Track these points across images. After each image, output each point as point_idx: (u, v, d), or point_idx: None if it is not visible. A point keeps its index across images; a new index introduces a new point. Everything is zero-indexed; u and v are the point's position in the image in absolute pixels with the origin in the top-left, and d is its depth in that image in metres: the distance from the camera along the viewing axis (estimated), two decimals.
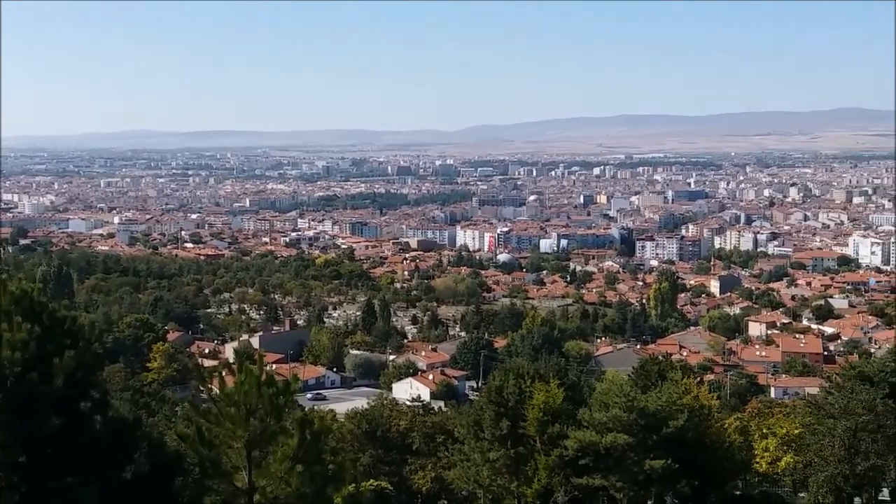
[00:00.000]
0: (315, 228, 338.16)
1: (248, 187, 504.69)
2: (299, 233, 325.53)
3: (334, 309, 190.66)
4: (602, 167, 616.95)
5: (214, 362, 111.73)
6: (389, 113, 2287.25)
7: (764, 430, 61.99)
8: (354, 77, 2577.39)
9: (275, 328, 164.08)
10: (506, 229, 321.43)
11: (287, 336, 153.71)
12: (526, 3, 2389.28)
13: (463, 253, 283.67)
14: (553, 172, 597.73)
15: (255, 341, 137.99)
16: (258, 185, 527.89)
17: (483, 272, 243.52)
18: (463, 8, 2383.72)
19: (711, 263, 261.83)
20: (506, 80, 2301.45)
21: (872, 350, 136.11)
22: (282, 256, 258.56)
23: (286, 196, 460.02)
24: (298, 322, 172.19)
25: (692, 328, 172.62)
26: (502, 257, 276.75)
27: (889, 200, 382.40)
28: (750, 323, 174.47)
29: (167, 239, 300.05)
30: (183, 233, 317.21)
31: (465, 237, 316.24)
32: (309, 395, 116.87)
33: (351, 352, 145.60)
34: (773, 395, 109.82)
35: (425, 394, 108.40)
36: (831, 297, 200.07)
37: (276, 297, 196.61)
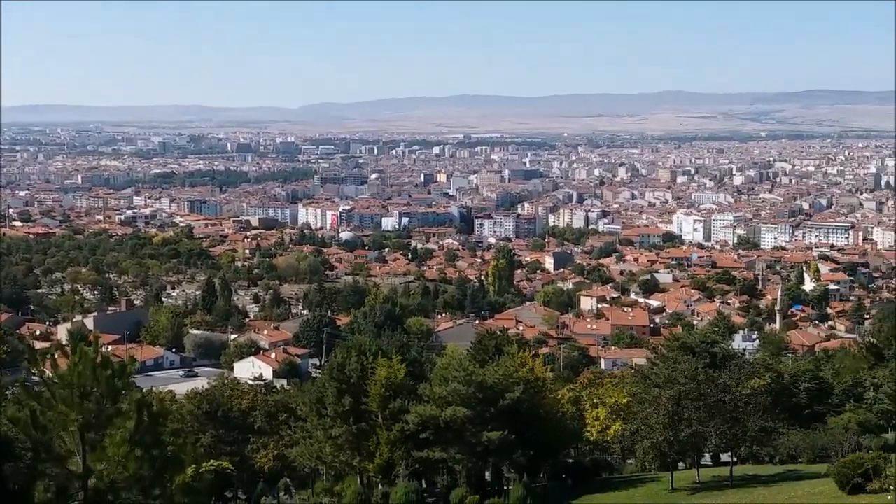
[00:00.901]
0: (152, 206, 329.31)
1: (79, 163, 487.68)
2: (135, 211, 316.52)
3: (173, 288, 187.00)
4: (441, 146, 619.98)
5: (46, 344, 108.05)
6: (228, 89, 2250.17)
7: (595, 400, 63.62)
8: (190, 50, 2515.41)
9: (110, 308, 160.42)
10: (348, 207, 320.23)
11: (123, 316, 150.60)
12: None
13: (305, 231, 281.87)
14: (394, 151, 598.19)
15: (89, 322, 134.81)
16: (91, 161, 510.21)
17: (325, 250, 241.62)
18: None
19: (546, 241, 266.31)
20: (344, 57, 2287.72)
21: (695, 322, 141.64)
22: (117, 235, 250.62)
23: (121, 173, 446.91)
24: (135, 302, 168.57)
25: (528, 303, 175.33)
26: (344, 235, 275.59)
27: (710, 180, 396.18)
28: (582, 297, 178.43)
29: None
30: (11, 210, 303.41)
31: (308, 215, 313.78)
32: (181, 373, 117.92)
33: (191, 332, 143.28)
34: (603, 366, 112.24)
35: (267, 372, 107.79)
36: (657, 272, 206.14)
37: (111, 276, 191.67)
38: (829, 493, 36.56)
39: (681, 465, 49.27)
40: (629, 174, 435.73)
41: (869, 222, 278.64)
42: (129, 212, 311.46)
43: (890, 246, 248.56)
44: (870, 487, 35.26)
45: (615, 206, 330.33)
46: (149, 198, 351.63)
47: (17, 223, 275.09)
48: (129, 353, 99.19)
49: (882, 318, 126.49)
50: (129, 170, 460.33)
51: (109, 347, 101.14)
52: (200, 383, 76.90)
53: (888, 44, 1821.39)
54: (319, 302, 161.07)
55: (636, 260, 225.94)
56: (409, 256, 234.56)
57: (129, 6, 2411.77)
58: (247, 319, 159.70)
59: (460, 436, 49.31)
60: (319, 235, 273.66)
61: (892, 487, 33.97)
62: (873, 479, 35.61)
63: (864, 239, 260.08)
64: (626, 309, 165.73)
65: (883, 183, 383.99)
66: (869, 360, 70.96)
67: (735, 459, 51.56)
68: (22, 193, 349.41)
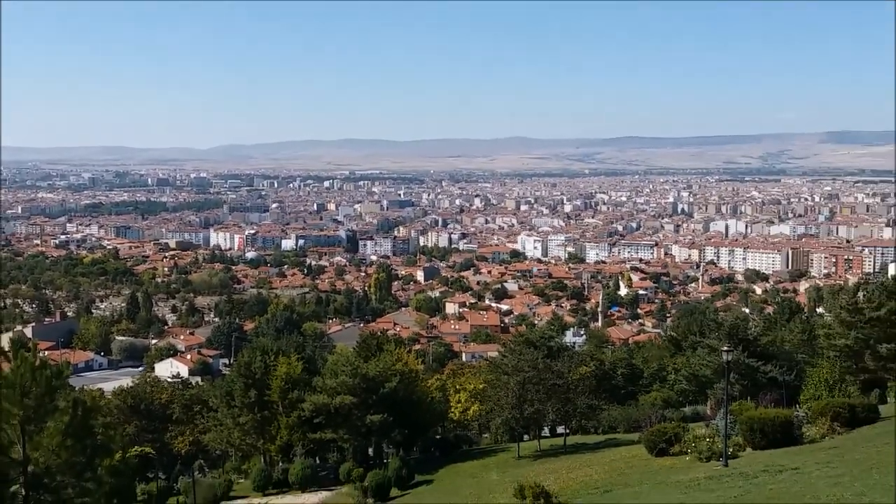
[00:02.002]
0: (82, 232, 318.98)
1: (19, 196, 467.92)
2: (68, 236, 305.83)
3: (101, 301, 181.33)
4: (331, 181, 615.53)
5: None
6: (147, 131, 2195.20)
7: (457, 387, 63.75)
8: (114, 96, 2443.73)
9: (47, 319, 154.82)
10: (252, 231, 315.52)
11: (58, 326, 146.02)
12: (254, 41, 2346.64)
13: (216, 252, 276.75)
14: (291, 185, 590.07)
15: (28, 331, 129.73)
16: (29, 194, 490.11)
17: (234, 267, 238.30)
18: (203, 37, 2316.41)
19: (417, 257, 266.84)
20: (248, 105, 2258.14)
21: (535, 322, 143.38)
22: (52, 257, 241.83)
23: (55, 203, 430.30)
24: (68, 313, 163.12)
25: (403, 309, 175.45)
26: (250, 255, 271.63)
27: (546, 208, 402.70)
28: (447, 303, 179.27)
29: None
30: None
31: (218, 238, 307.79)
32: (141, 368, 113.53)
33: (117, 338, 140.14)
34: (464, 358, 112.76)
35: (184, 371, 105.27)
36: (505, 282, 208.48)
37: (47, 292, 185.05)
38: (640, 456, 37.19)
39: (525, 437, 49.60)
40: (483, 203, 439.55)
41: (668, 241, 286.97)
42: (62, 237, 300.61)
43: (685, 259, 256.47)
44: (672, 451, 35.99)
45: (472, 229, 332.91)
46: (80, 225, 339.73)
47: None
48: (63, 358, 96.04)
49: (680, 317, 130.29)
50: (62, 201, 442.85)
51: (46, 353, 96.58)
52: (125, 381, 74.57)
53: (682, 101, 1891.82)
54: (228, 311, 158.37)
55: (489, 272, 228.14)
56: (305, 271, 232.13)
57: (57, 55, 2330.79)
58: (166, 326, 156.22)
59: (347, 419, 48.99)
60: (228, 255, 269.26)
61: (689, 450, 34.80)
62: (675, 444, 36.38)
63: (665, 254, 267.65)
64: (481, 312, 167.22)
65: (679, 210, 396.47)
66: (670, 349, 73.07)
67: (568, 431, 52.17)
68: None
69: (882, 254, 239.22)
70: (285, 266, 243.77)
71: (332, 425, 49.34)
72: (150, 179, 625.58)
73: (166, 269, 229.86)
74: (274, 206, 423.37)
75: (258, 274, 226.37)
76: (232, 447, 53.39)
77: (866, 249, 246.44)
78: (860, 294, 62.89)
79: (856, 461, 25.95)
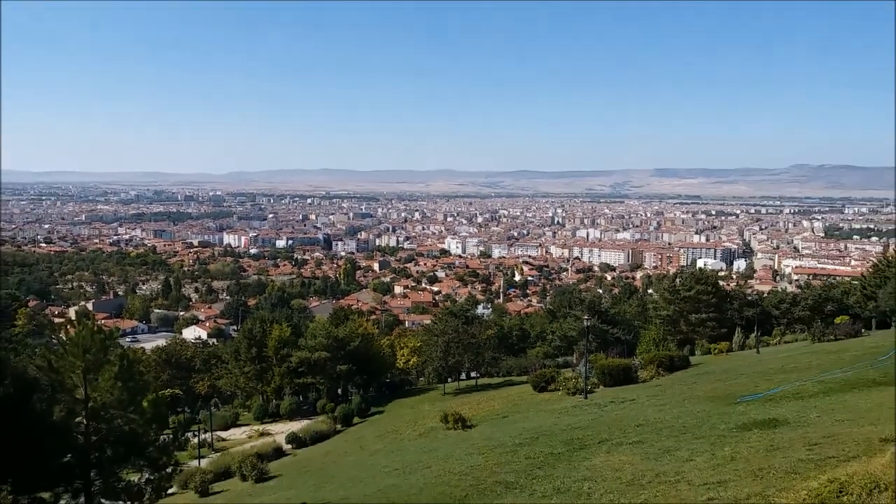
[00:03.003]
0: (130, 234, 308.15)
1: (83, 207, 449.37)
2: (119, 237, 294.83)
3: (143, 284, 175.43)
4: (312, 198, 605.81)
5: (62, 319, 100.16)
6: (177, 161, 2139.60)
7: (402, 345, 63.48)
8: (156, 133, 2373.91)
9: (103, 297, 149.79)
10: (255, 234, 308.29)
11: (111, 302, 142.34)
12: (258, 83, 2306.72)
13: (228, 248, 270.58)
14: (283, 201, 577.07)
15: (89, 306, 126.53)
16: (91, 206, 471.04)
17: (241, 260, 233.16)
18: (216, 90, 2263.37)
19: (374, 254, 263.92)
20: (252, 140, 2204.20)
21: (457, 299, 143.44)
22: (107, 252, 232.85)
23: (110, 213, 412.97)
24: (119, 293, 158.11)
25: (364, 290, 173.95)
26: (253, 251, 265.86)
27: (465, 219, 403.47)
28: (395, 286, 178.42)
29: (27, 240, 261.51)
30: (38, 236, 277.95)
31: (229, 239, 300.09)
32: (172, 333, 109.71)
33: (155, 311, 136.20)
34: (407, 325, 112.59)
35: (204, 335, 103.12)
36: (436, 271, 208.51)
37: (103, 277, 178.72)
38: (528, 392, 37.51)
39: (449, 379, 49.69)
40: (420, 216, 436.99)
41: (548, 243, 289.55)
42: (115, 237, 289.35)
43: (559, 256, 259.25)
44: (550, 388, 36.38)
45: (413, 234, 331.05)
46: (128, 229, 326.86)
47: (43, 245, 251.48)
48: (114, 325, 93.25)
49: (555, 295, 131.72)
50: (115, 211, 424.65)
51: (102, 321, 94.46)
52: (161, 342, 72.82)
53: (558, 145, 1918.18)
54: (237, 291, 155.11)
55: (425, 264, 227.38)
56: (293, 263, 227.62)
57: (118, 104, 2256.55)
58: (190, 302, 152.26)
59: (323, 369, 48.57)
60: (237, 251, 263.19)
61: (561, 388, 35.20)
62: (551, 383, 36.79)
63: (546, 252, 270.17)
64: (419, 292, 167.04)
65: (555, 221, 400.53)
66: (549, 318, 73.74)
67: (478, 375, 52.41)
68: (46, 226, 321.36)
69: (692, 253, 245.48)
70: (278, 259, 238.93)
71: (312, 373, 48.94)
72: (179, 196, 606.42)
73: (191, 261, 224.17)
74: (270, 216, 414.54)
75: (259, 265, 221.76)
76: (239, 389, 52.59)
77: (682, 250, 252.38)
78: (677, 280, 64.47)
79: (674, 394, 26.54)
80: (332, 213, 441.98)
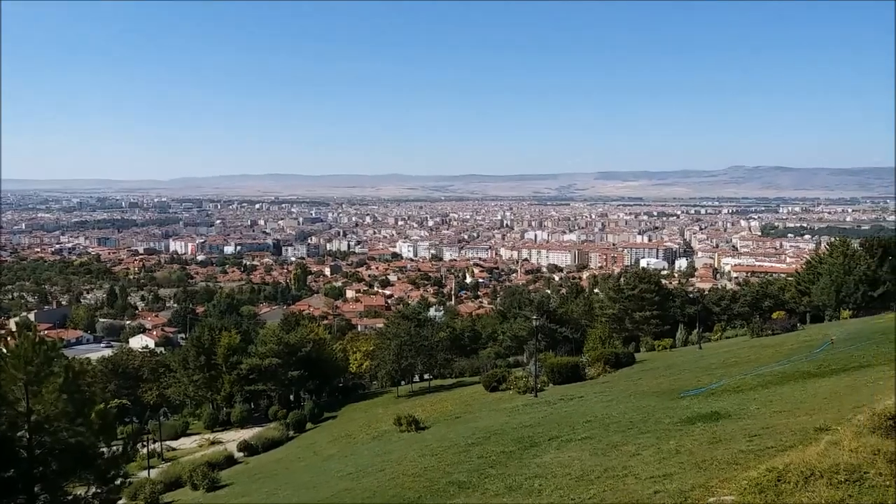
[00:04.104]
0: (72, 242, 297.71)
1: (23, 216, 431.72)
2: (61, 245, 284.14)
3: (87, 293, 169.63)
4: (261, 204, 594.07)
5: (2, 331, 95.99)
6: (121, 167, 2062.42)
7: (354, 349, 63.06)
8: (96, 136, 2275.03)
9: (46, 307, 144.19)
10: (202, 240, 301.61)
11: (54, 312, 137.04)
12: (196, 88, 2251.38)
13: (174, 255, 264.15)
14: (230, 206, 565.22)
15: (31, 316, 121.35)
16: (31, 214, 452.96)
17: (188, 267, 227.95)
18: (162, 95, 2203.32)
19: (325, 258, 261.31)
20: (198, 145, 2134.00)
21: (409, 302, 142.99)
22: (49, 261, 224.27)
23: (51, 221, 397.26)
24: (62, 302, 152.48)
25: (315, 295, 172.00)
26: (200, 257, 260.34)
27: (416, 223, 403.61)
28: (347, 290, 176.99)
29: None
30: None
31: (176, 245, 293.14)
32: (118, 342, 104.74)
33: (100, 320, 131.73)
34: (359, 329, 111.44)
35: (151, 344, 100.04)
36: (388, 274, 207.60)
37: (45, 287, 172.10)
38: (480, 392, 37.68)
39: (402, 382, 49.51)
40: (371, 220, 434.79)
41: (498, 245, 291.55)
42: (57, 246, 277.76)
43: (509, 258, 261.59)
44: (501, 387, 36.60)
45: (364, 238, 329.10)
46: (70, 237, 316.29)
47: None
48: (58, 335, 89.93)
49: (505, 296, 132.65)
50: (57, 219, 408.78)
51: (45, 332, 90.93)
52: (107, 352, 70.59)
53: (506, 150, 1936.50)
54: (184, 299, 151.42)
55: (377, 268, 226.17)
56: (242, 269, 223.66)
57: (59, 109, 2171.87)
58: (137, 311, 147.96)
59: (274, 375, 47.88)
60: (184, 258, 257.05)
61: (512, 387, 35.43)
62: (503, 383, 37.02)
63: (496, 254, 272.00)
64: (371, 296, 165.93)
65: (504, 224, 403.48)
66: (499, 318, 74.29)
67: (431, 377, 52.40)
68: None
69: (636, 253, 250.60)
70: (227, 265, 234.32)
71: (263, 379, 48.23)
72: (123, 203, 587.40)
73: (136, 268, 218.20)
74: (218, 222, 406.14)
75: (207, 272, 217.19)
76: (188, 398, 51.52)
77: (625, 250, 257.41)
78: (621, 280, 65.73)
79: (620, 390, 26.99)
80: (282, 219, 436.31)
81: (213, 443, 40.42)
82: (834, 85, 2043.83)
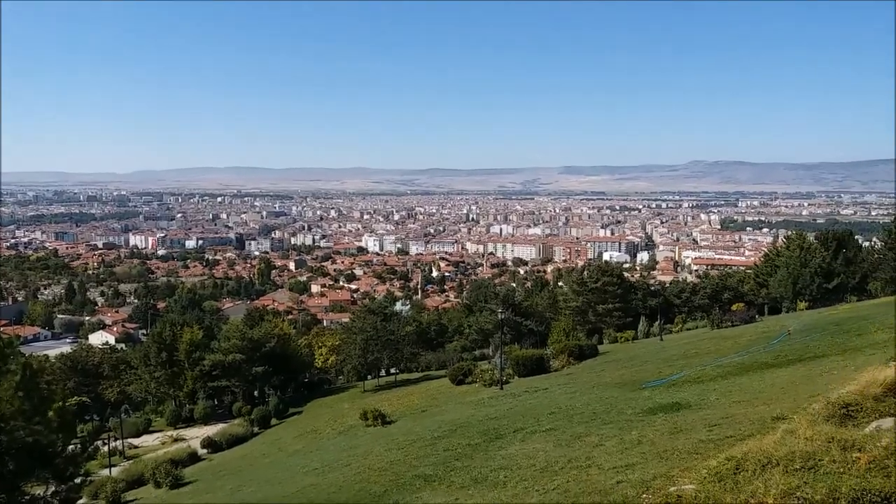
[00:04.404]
0: (29, 236, 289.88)
1: None
2: (17, 240, 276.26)
3: (45, 289, 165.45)
4: (223, 197, 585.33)
5: None
6: (79, 160, 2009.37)
7: (320, 344, 62.60)
8: (53, 129, 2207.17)
9: (1, 303, 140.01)
10: (163, 234, 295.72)
11: (10, 308, 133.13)
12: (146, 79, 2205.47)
13: (134, 250, 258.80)
14: (192, 200, 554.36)
15: None
16: None
17: (149, 262, 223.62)
18: (122, 88, 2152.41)
19: (289, 252, 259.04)
20: (159, 137, 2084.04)
21: (375, 296, 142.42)
22: (4, 256, 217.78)
23: (6, 215, 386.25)
24: (18, 298, 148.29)
25: (280, 290, 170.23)
26: (161, 252, 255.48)
27: (382, 217, 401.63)
28: (312, 285, 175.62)
29: None
30: None
31: (136, 240, 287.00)
32: (77, 339, 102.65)
33: (58, 316, 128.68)
34: (325, 324, 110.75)
35: (111, 340, 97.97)
36: (354, 269, 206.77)
37: (1, 282, 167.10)
38: (446, 386, 37.76)
39: (368, 377, 49.35)
40: (337, 214, 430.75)
41: (464, 239, 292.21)
42: (13, 240, 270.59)
43: (474, 251, 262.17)
44: (467, 381, 36.73)
45: (329, 232, 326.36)
46: (27, 231, 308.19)
47: None
48: (14, 332, 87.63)
49: (471, 290, 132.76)
50: (12, 213, 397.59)
51: (1, 329, 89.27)
52: (66, 349, 68.88)
53: (471, 144, 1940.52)
54: (145, 294, 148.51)
55: (342, 262, 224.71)
56: (204, 264, 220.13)
57: (4, 93, 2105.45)
58: (96, 307, 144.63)
59: (238, 371, 47.28)
60: (144, 253, 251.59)
61: (478, 380, 35.57)
62: (469, 376, 37.16)
63: (462, 248, 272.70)
64: (337, 290, 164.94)
65: (470, 218, 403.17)
66: (465, 312, 74.39)
67: (398, 371, 52.32)
68: None
69: (599, 246, 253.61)
70: (188, 260, 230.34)
71: (227, 376, 47.59)
72: (81, 197, 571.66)
73: (95, 263, 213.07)
74: (179, 216, 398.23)
75: (168, 266, 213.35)
76: (150, 395, 50.61)
77: (589, 244, 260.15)
78: (585, 273, 66.39)
79: (584, 382, 27.30)
80: (245, 212, 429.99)
81: (175, 440, 39.82)
82: (791, 82, 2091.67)
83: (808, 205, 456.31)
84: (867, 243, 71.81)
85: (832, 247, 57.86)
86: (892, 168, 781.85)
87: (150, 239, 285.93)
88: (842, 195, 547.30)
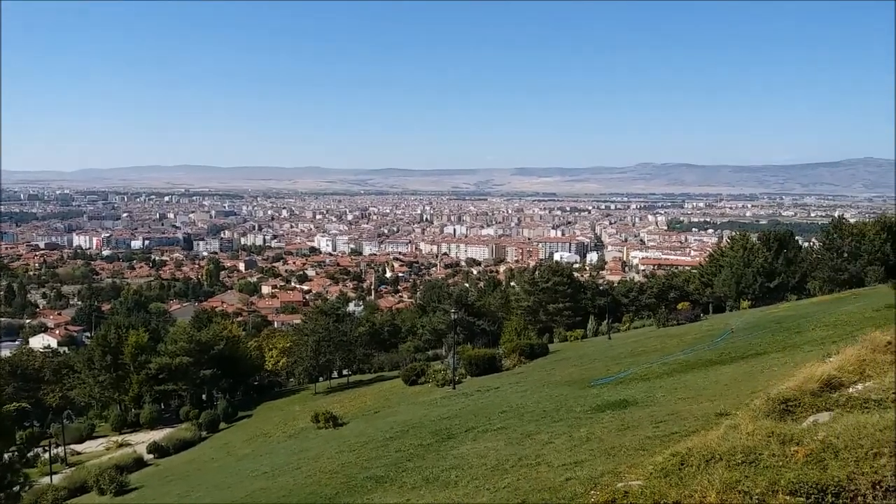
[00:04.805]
0: None
1: None
2: None
3: None
4: (170, 196, 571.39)
5: None
6: (20, 157, 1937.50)
7: (271, 346, 61.78)
8: None
9: None
10: (107, 234, 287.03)
11: None
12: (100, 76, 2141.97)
13: (78, 251, 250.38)
14: (138, 199, 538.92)
15: None
16: None
17: (93, 262, 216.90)
18: (69, 84, 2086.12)
19: (239, 253, 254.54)
20: (103, 134, 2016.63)
21: (328, 297, 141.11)
22: None
23: None
24: None
25: (229, 291, 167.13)
26: (106, 253, 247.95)
27: (335, 217, 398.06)
28: (263, 286, 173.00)
29: None
30: None
31: (80, 240, 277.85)
32: (18, 342, 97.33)
33: None
34: (276, 325, 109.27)
35: (53, 343, 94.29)
36: (306, 269, 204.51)
37: None
38: (399, 386, 37.65)
39: (320, 378, 48.87)
40: (288, 214, 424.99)
41: (417, 240, 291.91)
42: None
43: (428, 252, 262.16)
44: (420, 381, 36.71)
45: (281, 232, 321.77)
46: None
47: None
48: None
49: (425, 290, 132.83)
50: None
51: None
52: (4, 353, 66.21)
53: (426, 145, 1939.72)
54: (89, 296, 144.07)
55: (294, 263, 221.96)
56: (151, 265, 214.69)
57: None
58: (38, 309, 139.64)
59: (186, 374, 46.26)
60: (88, 253, 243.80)
61: (431, 380, 35.56)
62: (422, 376, 37.14)
63: (416, 248, 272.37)
64: (289, 291, 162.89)
65: (424, 219, 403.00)
66: (419, 312, 74.35)
67: (350, 372, 51.95)
68: None
69: (550, 247, 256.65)
70: (134, 261, 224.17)
71: (174, 379, 46.55)
72: (22, 195, 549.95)
73: (37, 264, 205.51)
74: (125, 215, 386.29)
75: (113, 267, 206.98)
76: (94, 399, 49.10)
77: (540, 244, 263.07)
78: (536, 273, 67.08)
79: (534, 380, 27.54)
80: (193, 212, 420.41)
81: (121, 445, 38.70)
82: (734, 87, 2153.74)
83: (752, 206, 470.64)
84: (806, 244, 74.61)
85: (774, 247, 59.74)
86: (831, 171, 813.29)
87: (94, 239, 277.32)
88: (783, 197, 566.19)
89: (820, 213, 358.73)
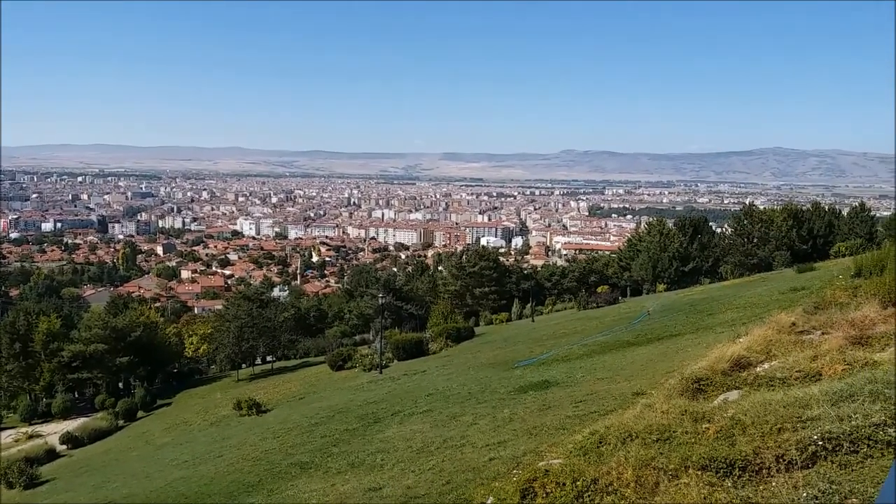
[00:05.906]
0: None
1: None
2: None
3: None
4: (83, 176, 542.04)
5: None
6: None
7: (191, 332, 60.06)
8: None
9: None
10: (15, 216, 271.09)
11: None
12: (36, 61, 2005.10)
13: None
14: (49, 179, 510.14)
15: None
16: None
17: (0, 245, 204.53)
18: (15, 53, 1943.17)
19: (157, 236, 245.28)
20: (12, 111, 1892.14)
21: (252, 282, 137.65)
22: None
23: None
24: None
25: (147, 275, 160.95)
26: (14, 235, 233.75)
27: (259, 199, 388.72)
28: (182, 271, 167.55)
29: None
30: None
31: None
32: None
33: None
34: (196, 311, 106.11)
35: None
36: (228, 254, 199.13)
37: None
38: (325, 372, 37.32)
39: (244, 365, 47.83)
40: (209, 196, 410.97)
41: (345, 224, 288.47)
42: None
43: (356, 236, 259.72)
44: (347, 366, 36.52)
45: (201, 214, 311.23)
46: None
47: None
48: None
49: (353, 275, 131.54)
50: None
51: None
52: None
53: (354, 127, 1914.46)
54: None
55: (216, 247, 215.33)
56: (63, 248, 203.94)
57: None
58: None
59: (101, 362, 44.37)
60: None
61: (357, 365, 35.36)
62: (348, 362, 36.92)
63: (343, 232, 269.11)
64: (210, 276, 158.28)
65: (351, 202, 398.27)
66: (346, 297, 73.91)
67: (275, 359, 51.06)
68: None
69: (476, 231, 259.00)
70: (45, 244, 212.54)
71: (88, 367, 44.56)
72: None
73: None
74: (34, 196, 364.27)
75: (21, 251, 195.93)
76: (1, 389, 46.34)
77: (467, 229, 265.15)
78: (463, 258, 67.64)
79: (460, 363, 27.81)
80: (108, 193, 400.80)
81: (31, 436, 36.83)
82: (654, 76, 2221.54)
83: (669, 193, 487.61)
84: (719, 230, 78.17)
85: (689, 233, 62.24)
86: (743, 160, 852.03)
87: (1, 221, 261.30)
88: (698, 184, 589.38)
89: (733, 200, 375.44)
